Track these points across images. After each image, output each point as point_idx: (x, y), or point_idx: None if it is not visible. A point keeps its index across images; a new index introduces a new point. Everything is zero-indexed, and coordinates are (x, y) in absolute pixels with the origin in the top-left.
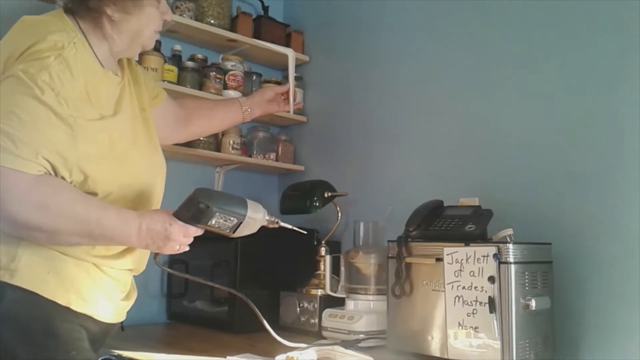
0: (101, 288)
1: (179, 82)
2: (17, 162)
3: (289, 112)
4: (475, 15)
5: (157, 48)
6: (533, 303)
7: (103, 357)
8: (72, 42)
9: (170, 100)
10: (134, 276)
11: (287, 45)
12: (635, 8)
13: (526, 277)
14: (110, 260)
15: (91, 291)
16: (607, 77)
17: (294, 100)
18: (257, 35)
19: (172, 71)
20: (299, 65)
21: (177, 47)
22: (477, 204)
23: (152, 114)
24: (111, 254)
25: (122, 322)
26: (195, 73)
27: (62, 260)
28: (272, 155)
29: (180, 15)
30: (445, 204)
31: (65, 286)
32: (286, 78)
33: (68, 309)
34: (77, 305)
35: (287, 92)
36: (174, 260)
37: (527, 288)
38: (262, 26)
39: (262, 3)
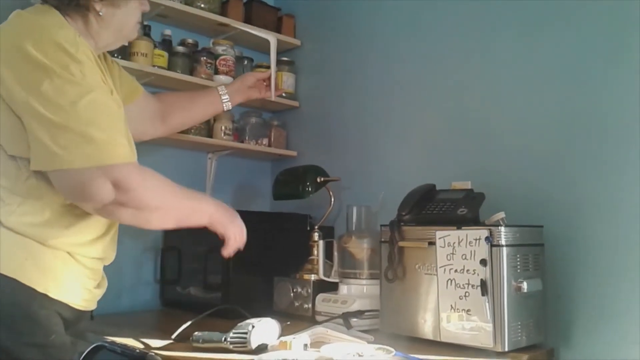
0: (76, 276)
1: (170, 67)
2: (128, 155)
3: (270, 98)
4: (471, 3)
5: (147, 33)
6: (525, 285)
7: (96, 344)
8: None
9: (148, 95)
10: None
11: (279, 29)
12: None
13: (518, 259)
14: (83, 247)
15: (67, 279)
16: (600, 62)
17: (276, 87)
18: (247, 19)
19: (162, 56)
20: (291, 49)
21: (167, 31)
22: (469, 187)
23: (129, 110)
24: (84, 241)
25: (92, 311)
26: (185, 58)
27: (39, 248)
28: (265, 141)
29: None
30: (438, 188)
31: (43, 273)
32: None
33: (45, 295)
34: (55, 293)
35: (269, 79)
36: (167, 247)
37: (518, 271)
38: (253, 10)
39: None
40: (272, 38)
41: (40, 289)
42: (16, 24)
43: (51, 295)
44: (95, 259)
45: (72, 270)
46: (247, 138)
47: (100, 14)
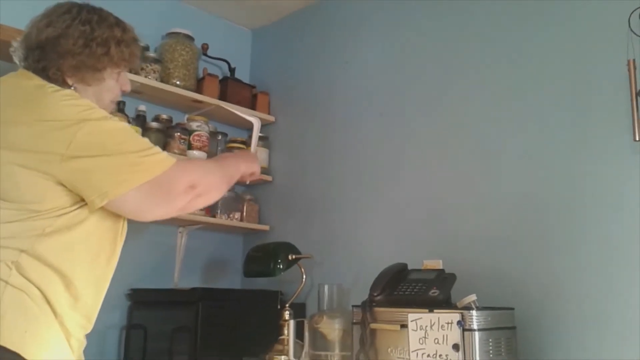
0: (65, 354)
1: None
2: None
3: (246, 182)
4: (438, 77)
5: (121, 109)
6: None
7: None
8: None
9: None
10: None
11: (253, 106)
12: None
13: (490, 344)
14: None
15: (57, 354)
16: (569, 140)
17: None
18: (223, 96)
19: (136, 132)
20: (265, 125)
21: (142, 107)
22: (441, 266)
23: None
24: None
25: None
26: (159, 133)
27: (36, 318)
28: (237, 215)
29: (146, 76)
30: (410, 266)
31: (40, 351)
32: (251, 138)
33: None
34: None
35: None
36: (133, 326)
37: (491, 355)
38: (229, 87)
39: (229, 65)
40: (256, 121)
41: None
42: (14, 94)
43: None
44: (82, 325)
45: (61, 350)
46: (219, 212)
47: (73, 87)
